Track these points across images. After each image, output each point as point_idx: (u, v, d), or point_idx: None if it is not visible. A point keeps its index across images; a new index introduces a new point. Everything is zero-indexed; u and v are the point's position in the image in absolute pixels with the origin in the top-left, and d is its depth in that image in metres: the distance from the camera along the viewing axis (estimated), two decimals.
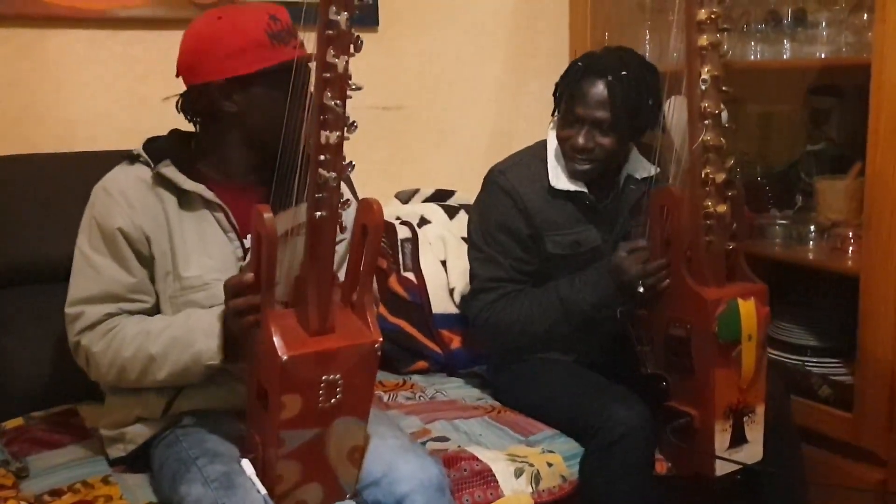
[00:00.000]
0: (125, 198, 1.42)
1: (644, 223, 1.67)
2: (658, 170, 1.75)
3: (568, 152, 1.73)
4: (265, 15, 1.41)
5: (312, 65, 1.19)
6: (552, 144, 1.80)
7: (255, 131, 1.45)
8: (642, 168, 1.80)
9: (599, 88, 1.67)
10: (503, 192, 1.77)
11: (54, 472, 1.51)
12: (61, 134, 1.95)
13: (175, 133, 1.53)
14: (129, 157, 1.47)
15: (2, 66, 1.90)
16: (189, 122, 1.49)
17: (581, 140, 1.69)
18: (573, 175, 1.75)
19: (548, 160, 1.78)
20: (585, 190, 1.77)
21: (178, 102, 1.47)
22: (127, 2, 1.97)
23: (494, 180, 1.80)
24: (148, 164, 1.45)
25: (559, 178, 1.76)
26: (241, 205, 1.46)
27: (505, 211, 1.77)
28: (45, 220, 1.73)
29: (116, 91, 1.99)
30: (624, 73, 1.67)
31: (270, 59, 1.39)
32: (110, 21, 1.98)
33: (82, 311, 1.42)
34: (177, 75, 1.46)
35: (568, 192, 1.76)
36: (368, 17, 2.25)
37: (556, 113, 1.79)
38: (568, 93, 1.71)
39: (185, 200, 1.45)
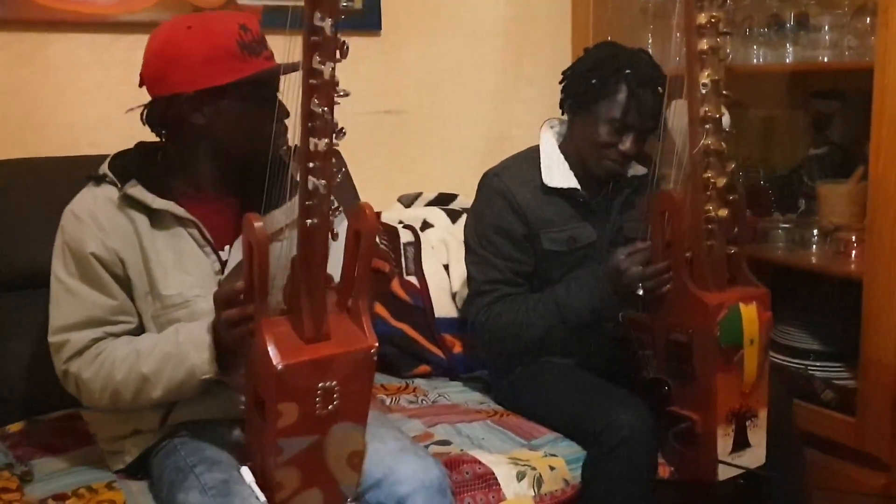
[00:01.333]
0: (95, 221, 1.40)
1: (644, 227, 1.67)
2: (646, 170, 1.77)
3: (610, 156, 1.73)
4: (235, 25, 1.38)
5: (298, 74, 1.17)
6: (546, 143, 1.81)
7: (225, 143, 1.43)
8: (631, 168, 1.82)
9: (652, 100, 1.68)
10: (497, 193, 1.78)
11: (58, 477, 1.52)
12: (63, 139, 1.96)
13: (141, 146, 1.50)
14: (95, 178, 1.45)
15: (3, 71, 1.91)
16: (155, 134, 1.47)
17: (630, 147, 1.70)
18: (608, 175, 1.76)
19: (541, 160, 1.79)
20: (578, 187, 1.78)
21: (142, 113, 1.44)
22: (129, 6, 1.97)
23: (488, 183, 1.82)
24: (115, 184, 1.42)
25: (552, 177, 1.77)
26: (213, 218, 1.45)
27: (499, 212, 1.78)
28: (48, 224, 1.71)
29: (118, 96, 1.97)
30: (661, 84, 1.69)
31: (241, 70, 1.37)
32: (112, 26, 1.98)
33: (67, 339, 1.41)
34: (140, 85, 1.43)
35: (561, 189, 1.78)
36: (371, 22, 2.26)
37: (578, 113, 1.76)
38: (620, 101, 1.68)
39: (156, 219, 1.42)
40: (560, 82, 1.81)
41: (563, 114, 1.83)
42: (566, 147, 1.81)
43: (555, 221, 1.78)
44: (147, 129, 1.48)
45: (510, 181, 1.79)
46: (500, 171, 1.82)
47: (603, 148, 1.72)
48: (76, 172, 1.75)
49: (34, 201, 1.78)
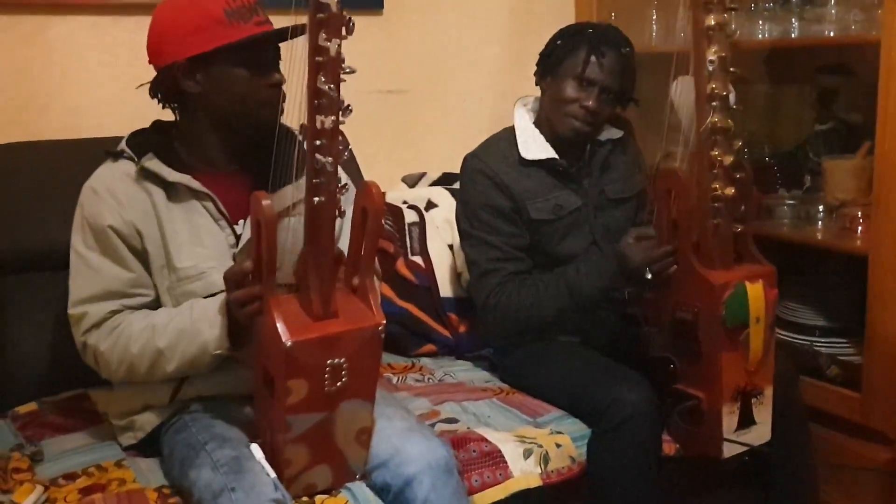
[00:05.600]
0: (113, 195, 1.43)
1: (650, 207, 1.67)
2: (622, 133, 1.87)
3: (573, 112, 1.76)
4: None
5: (304, 51, 1.18)
6: (521, 119, 1.86)
7: (220, 111, 1.45)
8: (605, 132, 1.87)
9: (614, 58, 1.74)
10: (478, 172, 1.82)
11: (68, 456, 1.53)
12: (67, 121, 1.96)
13: (157, 124, 1.53)
14: (113, 154, 1.48)
15: (6, 54, 1.90)
16: (164, 108, 1.50)
17: (593, 103, 1.74)
18: (574, 134, 1.78)
19: (517, 135, 1.83)
20: (556, 156, 1.81)
21: (150, 89, 1.48)
22: None
23: (468, 165, 1.85)
24: (132, 159, 1.45)
25: (529, 149, 1.81)
26: (229, 192, 1.47)
27: (483, 190, 1.80)
28: (53, 206, 1.74)
29: (121, 78, 1.98)
30: (627, 49, 1.76)
31: (228, 36, 1.39)
32: (113, 7, 1.98)
33: (86, 312, 1.43)
34: (149, 62, 1.46)
35: (539, 161, 1.81)
36: (373, 1, 2.24)
37: (546, 78, 1.81)
38: (581, 56, 1.74)
39: (173, 192, 1.45)
40: (536, 63, 1.85)
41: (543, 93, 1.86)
42: (539, 120, 1.85)
43: (537, 192, 1.81)
44: (152, 109, 1.50)
45: (489, 159, 1.82)
46: (477, 152, 1.86)
47: (566, 104, 1.76)
48: (80, 155, 1.76)
49: (38, 184, 1.79)
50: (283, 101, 1.43)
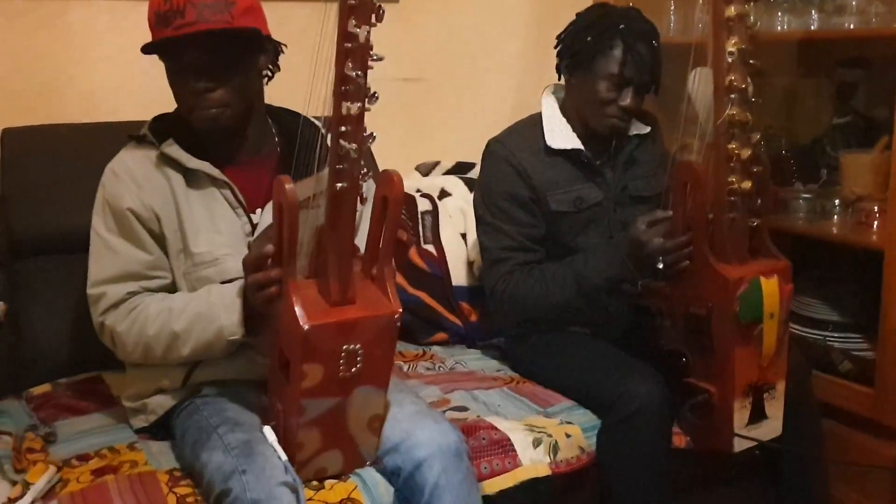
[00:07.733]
0: (133, 179, 1.45)
1: (665, 198, 1.66)
2: (648, 128, 1.83)
3: (612, 112, 1.74)
4: None
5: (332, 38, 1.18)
6: (548, 108, 1.83)
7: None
8: (633, 126, 1.84)
9: (648, 52, 1.71)
10: (501, 159, 1.80)
11: (81, 438, 1.55)
12: (84, 105, 1.96)
13: (179, 109, 1.53)
14: (136, 138, 1.49)
15: (25, 38, 1.91)
16: None
17: (630, 101, 1.72)
18: (612, 132, 1.77)
19: (543, 123, 1.81)
20: (582, 148, 1.79)
21: None
22: None
23: (491, 150, 1.84)
24: (153, 144, 1.46)
25: (555, 138, 1.79)
26: (246, 180, 1.48)
27: (504, 178, 1.79)
28: (70, 190, 1.75)
29: (139, 62, 1.97)
30: (657, 42, 1.73)
31: (153, 37, 1.41)
32: None
33: (104, 292, 1.45)
34: None
35: (564, 151, 1.79)
36: None
37: (574, 74, 1.78)
38: (616, 56, 1.70)
39: (192, 178, 1.46)
40: (555, 47, 1.82)
41: (559, 78, 1.84)
42: (566, 110, 1.83)
43: (560, 183, 1.79)
44: (168, 95, 1.50)
45: (513, 146, 1.80)
46: (502, 138, 1.84)
47: (603, 105, 1.73)
48: (96, 139, 1.78)
49: (55, 167, 1.80)
50: (217, 106, 1.41)
